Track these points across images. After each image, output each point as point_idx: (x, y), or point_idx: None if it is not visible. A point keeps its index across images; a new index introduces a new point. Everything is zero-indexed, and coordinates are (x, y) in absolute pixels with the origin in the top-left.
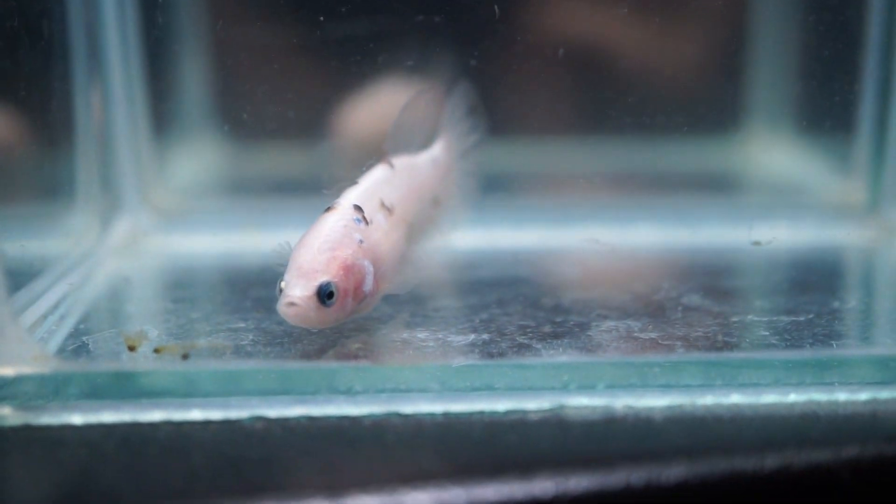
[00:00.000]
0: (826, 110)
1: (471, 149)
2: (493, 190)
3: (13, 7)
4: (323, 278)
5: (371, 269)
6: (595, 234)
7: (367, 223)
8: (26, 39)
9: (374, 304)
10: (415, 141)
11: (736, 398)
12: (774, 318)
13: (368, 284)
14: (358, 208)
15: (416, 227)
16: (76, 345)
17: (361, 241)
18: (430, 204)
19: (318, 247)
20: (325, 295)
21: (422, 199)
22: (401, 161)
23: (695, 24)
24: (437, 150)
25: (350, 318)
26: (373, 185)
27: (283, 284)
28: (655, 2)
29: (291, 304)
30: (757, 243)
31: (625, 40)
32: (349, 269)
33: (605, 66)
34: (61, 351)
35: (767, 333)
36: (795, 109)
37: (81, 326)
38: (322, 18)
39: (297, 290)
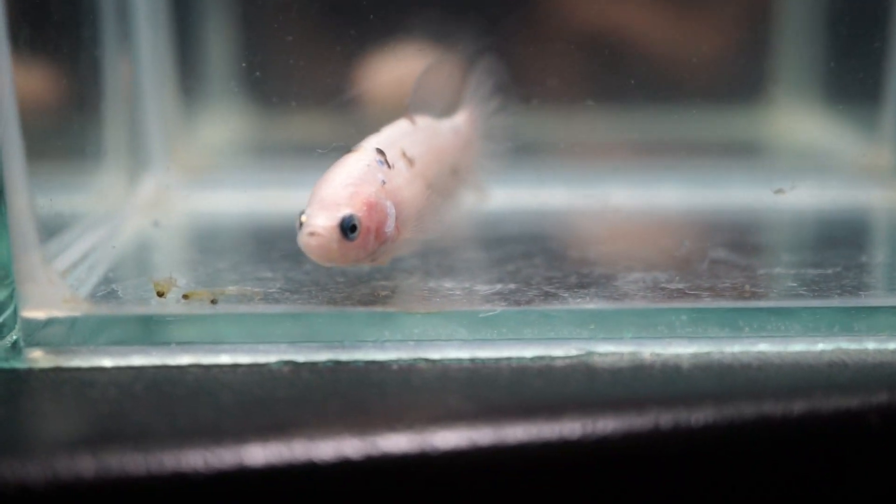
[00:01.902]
0: (853, 79)
1: (496, 127)
2: (521, 154)
3: None
4: (346, 210)
5: (393, 211)
6: (620, 196)
7: (389, 166)
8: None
9: (394, 253)
10: (437, 105)
11: (763, 346)
12: (801, 271)
13: (390, 227)
14: (380, 151)
15: (435, 192)
16: (106, 291)
17: (384, 182)
18: (448, 173)
19: (341, 181)
20: (348, 227)
21: (441, 163)
22: (423, 120)
23: None
24: (460, 119)
25: (370, 264)
26: (395, 135)
27: (303, 217)
28: None
29: (313, 233)
30: (779, 191)
31: (653, 9)
32: (372, 207)
33: (632, 34)
34: (93, 297)
35: (795, 285)
36: (822, 79)
37: (111, 275)
38: None
39: (319, 220)
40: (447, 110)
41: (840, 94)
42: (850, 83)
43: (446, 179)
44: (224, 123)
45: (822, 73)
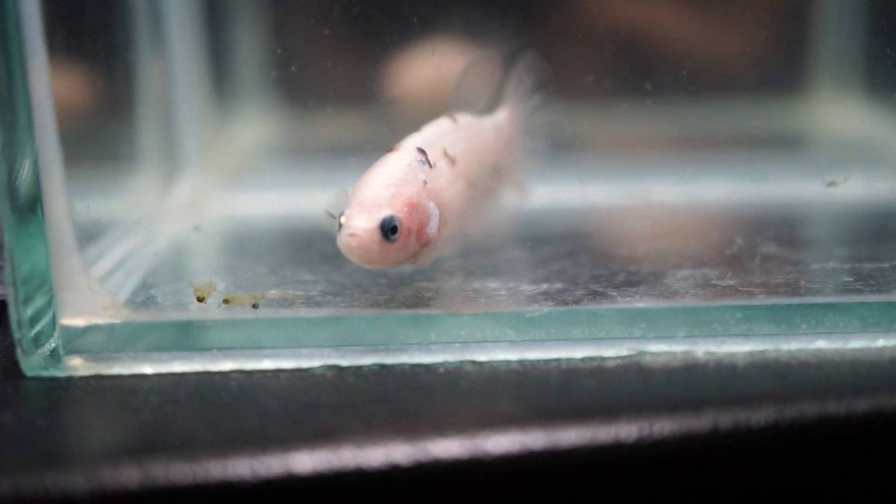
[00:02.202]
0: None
1: (538, 125)
2: (563, 150)
3: None
4: (387, 212)
5: (436, 212)
6: (665, 192)
7: (430, 166)
8: (91, 3)
9: (437, 254)
10: (478, 102)
11: (821, 344)
12: (857, 265)
13: (433, 228)
14: (422, 151)
15: (476, 191)
16: (144, 297)
17: (426, 182)
18: (490, 171)
19: (382, 182)
20: (388, 229)
21: (482, 161)
22: (464, 118)
23: None
24: (501, 117)
25: (412, 266)
26: (436, 134)
27: (343, 219)
28: None
29: (353, 235)
30: (832, 183)
31: (693, 2)
32: (414, 207)
33: (672, 28)
34: (132, 303)
35: (851, 279)
36: (863, 70)
37: (149, 280)
38: None
39: (359, 222)
40: (488, 107)
41: (881, 84)
42: (891, 73)
43: (488, 178)
44: (260, 124)
45: (870, 63)
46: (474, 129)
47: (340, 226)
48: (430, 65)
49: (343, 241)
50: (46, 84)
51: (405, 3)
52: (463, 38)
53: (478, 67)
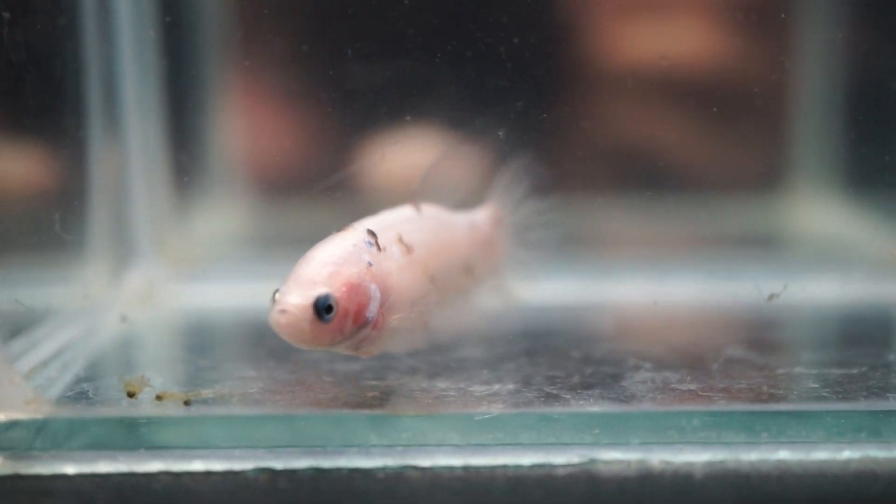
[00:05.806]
0: (874, 168)
1: (530, 231)
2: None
3: (19, 42)
4: (322, 290)
5: (378, 295)
6: (631, 290)
7: (379, 249)
8: (35, 77)
9: (382, 345)
10: (450, 196)
11: (784, 454)
12: (824, 371)
13: (372, 311)
14: (371, 233)
15: (441, 287)
16: (76, 392)
17: (370, 264)
18: (459, 268)
19: (322, 260)
20: (323, 307)
21: (449, 256)
22: (431, 209)
23: (739, 81)
24: (480, 215)
25: (353, 353)
26: (392, 219)
27: (277, 295)
28: (700, 57)
29: (284, 311)
30: (773, 296)
31: (668, 100)
32: (353, 288)
33: (648, 124)
34: (61, 398)
35: (817, 386)
36: (842, 167)
37: (84, 374)
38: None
39: (292, 298)
40: (466, 203)
41: (860, 183)
42: (873, 170)
43: (456, 275)
44: (222, 213)
45: (845, 160)
46: (441, 222)
47: (274, 301)
48: (405, 152)
49: (273, 317)
50: None
51: (380, 88)
52: (443, 127)
53: (452, 160)
